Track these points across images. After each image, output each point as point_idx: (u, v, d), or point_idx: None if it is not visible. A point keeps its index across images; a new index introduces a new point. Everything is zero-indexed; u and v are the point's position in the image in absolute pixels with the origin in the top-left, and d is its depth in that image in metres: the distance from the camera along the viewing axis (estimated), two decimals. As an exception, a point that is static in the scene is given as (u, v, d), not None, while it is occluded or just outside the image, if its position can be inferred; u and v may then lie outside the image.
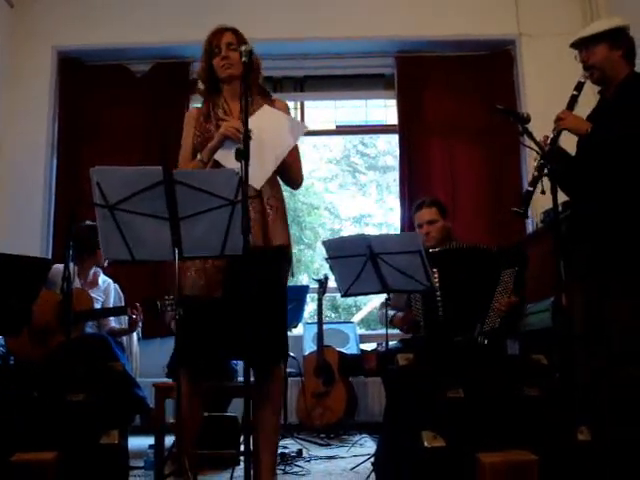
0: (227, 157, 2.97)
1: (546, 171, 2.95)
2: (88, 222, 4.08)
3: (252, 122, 2.94)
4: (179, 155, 3.20)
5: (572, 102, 3.14)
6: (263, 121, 2.96)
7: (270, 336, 2.95)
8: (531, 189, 3.01)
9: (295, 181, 3.22)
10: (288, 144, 3.01)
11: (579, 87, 3.14)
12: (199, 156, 3.06)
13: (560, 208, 3.12)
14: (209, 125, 3.12)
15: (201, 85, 3.27)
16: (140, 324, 4.28)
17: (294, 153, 3.11)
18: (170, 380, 3.91)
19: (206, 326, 2.92)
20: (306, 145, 8.62)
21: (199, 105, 3.31)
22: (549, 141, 3.06)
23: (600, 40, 3.12)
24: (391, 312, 3.95)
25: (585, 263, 3.11)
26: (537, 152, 3.03)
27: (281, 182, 3.17)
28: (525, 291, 3.77)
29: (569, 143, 3.22)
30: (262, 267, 2.86)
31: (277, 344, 3.04)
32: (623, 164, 2.97)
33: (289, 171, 3.14)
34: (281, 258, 3.07)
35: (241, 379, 3.84)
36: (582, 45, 3.17)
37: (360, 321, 7.87)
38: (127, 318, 4.27)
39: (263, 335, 2.83)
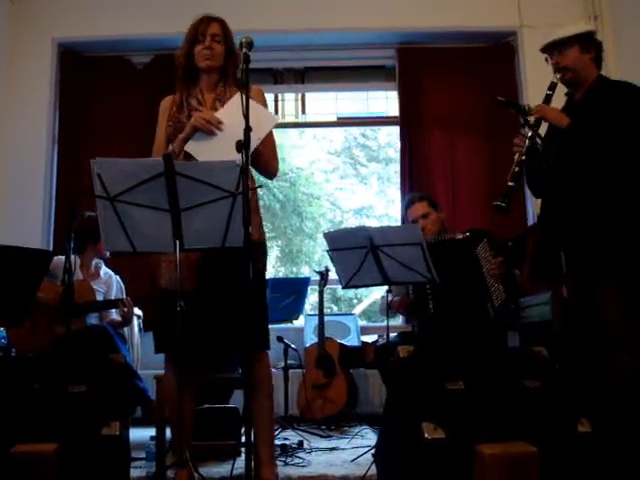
0: (197, 148, 2.96)
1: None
2: (89, 213, 4.08)
3: (223, 111, 2.93)
4: (153, 145, 3.18)
5: (547, 101, 3.25)
6: (233, 111, 2.91)
7: (250, 326, 2.92)
8: (512, 184, 3.07)
9: (269, 171, 3.21)
10: (259, 135, 2.94)
11: (552, 87, 3.25)
12: (170, 147, 3.04)
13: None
14: (181, 115, 3.12)
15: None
16: (135, 317, 4.30)
17: (268, 144, 3.08)
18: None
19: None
20: (306, 136, 8.62)
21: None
22: (527, 140, 3.15)
23: (572, 43, 3.23)
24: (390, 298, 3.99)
25: (572, 260, 3.16)
26: (528, 137, 3.12)
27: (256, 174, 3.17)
28: (506, 251, 3.94)
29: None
30: (234, 261, 2.85)
31: (256, 333, 3.00)
32: (606, 165, 3.05)
33: (263, 162, 3.11)
34: (254, 252, 3.05)
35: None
36: (554, 48, 3.27)
37: (361, 313, 7.88)
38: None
39: (239, 326, 2.80)
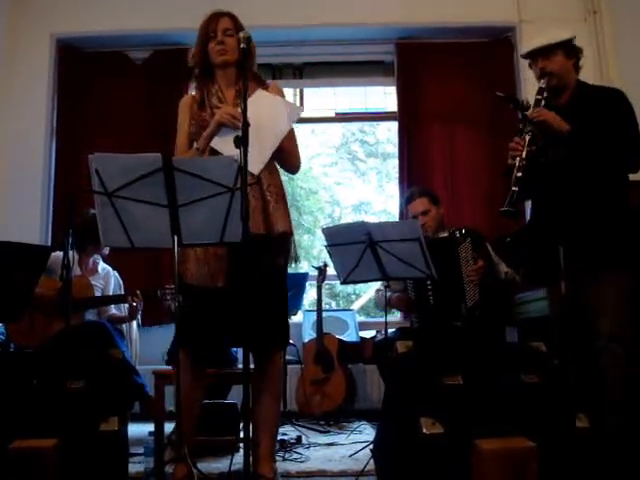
0: (224, 144, 2.96)
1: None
2: (92, 210, 4.07)
3: (248, 107, 2.93)
4: (175, 144, 3.18)
5: (536, 106, 3.24)
6: (258, 106, 2.93)
7: (272, 323, 2.96)
8: (516, 189, 3.07)
9: (293, 165, 3.21)
10: (285, 128, 2.99)
11: (541, 92, 3.26)
12: (195, 145, 3.05)
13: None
14: (204, 113, 3.11)
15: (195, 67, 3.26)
16: (140, 312, 4.28)
17: (291, 137, 3.10)
18: (170, 367, 3.92)
19: (209, 314, 2.93)
20: (305, 132, 8.60)
21: (193, 92, 3.30)
22: (526, 145, 3.14)
23: (557, 49, 3.27)
24: (388, 294, 4.00)
25: (571, 257, 3.17)
26: (529, 133, 3.14)
27: (279, 168, 3.17)
28: (489, 255, 4.07)
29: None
30: (265, 255, 2.88)
31: (279, 331, 3.05)
32: (604, 165, 3.10)
33: (287, 156, 3.12)
34: (284, 245, 3.08)
35: (241, 366, 3.86)
36: (540, 53, 3.29)
37: (359, 308, 7.87)
38: (127, 306, 4.27)
39: (266, 322, 2.86)
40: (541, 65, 3.28)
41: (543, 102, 3.20)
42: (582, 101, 3.24)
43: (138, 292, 4.18)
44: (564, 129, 3.09)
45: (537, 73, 3.31)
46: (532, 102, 3.25)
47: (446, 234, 4.06)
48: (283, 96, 3.23)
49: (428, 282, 3.88)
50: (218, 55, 3.10)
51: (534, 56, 3.32)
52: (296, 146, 3.18)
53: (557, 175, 3.19)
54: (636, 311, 3.06)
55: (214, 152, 3.01)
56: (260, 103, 2.97)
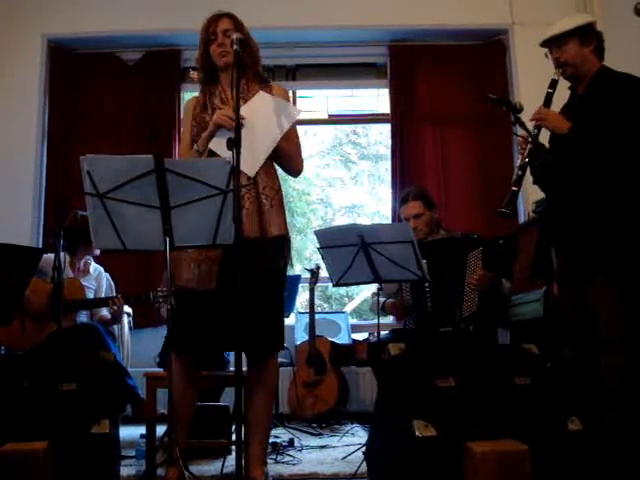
0: (221, 145, 2.96)
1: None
2: (81, 212, 4.05)
3: (245, 109, 2.93)
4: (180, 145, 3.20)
5: (548, 100, 3.17)
6: (258, 107, 2.94)
7: (265, 327, 2.95)
8: (516, 189, 3.02)
9: (294, 168, 3.20)
10: (280, 129, 2.99)
11: (553, 85, 3.18)
12: (195, 146, 3.05)
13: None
14: (205, 115, 3.11)
15: (195, 75, 3.26)
16: (125, 315, 4.27)
17: (291, 140, 3.09)
18: (161, 370, 3.91)
19: (200, 317, 2.91)
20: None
21: (196, 94, 3.29)
22: (530, 139, 3.08)
23: (571, 37, 3.15)
24: (382, 299, 3.98)
25: (567, 259, 3.15)
26: (529, 141, 3.05)
27: (280, 170, 3.16)
28: (498, 269, 3.94)
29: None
30: (258, 259, 2.86)
31: (272, 335, 3.04)
32: (604, 164, 2.98)
33: (286, 158, 3.11)
34: (278, 249, 3.06)
35: (233, 368, 3.85)
36: (553, 43, 3.20)
37: (352, 311, 7.87)
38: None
39: (258, 326, 2.84)
40: (555, 56, 3.18)
41: (566, 96, 3.13)
42: (597, 91, 3.11)
43: (118, 296, 4.17)
44: (564, 129, 3.03)
45: (554, 63, 3.21)
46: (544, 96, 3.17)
47: (458, 235, 4.02)
48: (287, 98, 3.23)
49: (426, 285, 3.85)
50: (220, 57, 3.09)
51: (549, 45, 3.22)
52: (298, 149, 3.17)
53: (555, 175, 3.15)
54: (635, 314, 3.01)
55: (213, 153, 3.01)
56: (260, 105, 2.98)
